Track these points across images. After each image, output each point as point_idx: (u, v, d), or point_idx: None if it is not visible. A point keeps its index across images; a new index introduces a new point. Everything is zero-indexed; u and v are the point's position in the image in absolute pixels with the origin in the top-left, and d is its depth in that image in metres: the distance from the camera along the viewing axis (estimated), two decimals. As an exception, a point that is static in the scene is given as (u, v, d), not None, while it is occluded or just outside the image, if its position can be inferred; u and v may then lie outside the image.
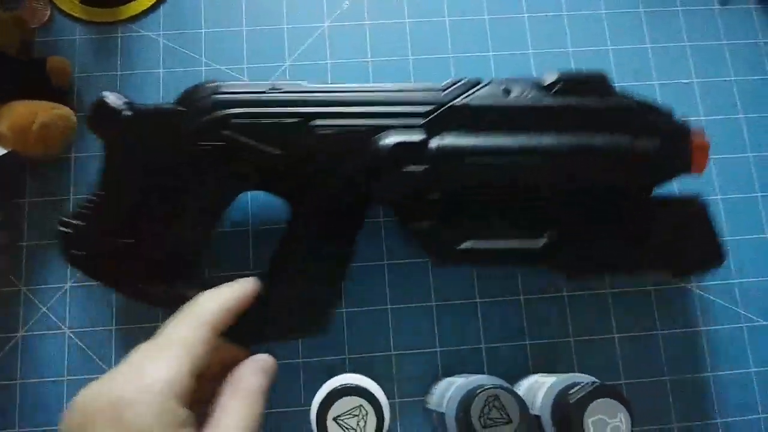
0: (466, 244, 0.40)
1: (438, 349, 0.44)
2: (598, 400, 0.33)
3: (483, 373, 0.44)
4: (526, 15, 0.51)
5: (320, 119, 0.39)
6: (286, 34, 0.49)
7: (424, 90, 0.40)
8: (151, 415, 0.26)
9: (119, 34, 0.48)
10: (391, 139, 0.38)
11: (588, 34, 0.51)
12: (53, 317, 0.43)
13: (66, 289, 0.44)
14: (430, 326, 0.45)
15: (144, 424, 0.25)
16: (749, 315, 0.46)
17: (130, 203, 0.39)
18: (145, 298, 0.40)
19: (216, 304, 0.31)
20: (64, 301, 0.44)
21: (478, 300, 0.45)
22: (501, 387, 0.34)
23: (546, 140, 0.39)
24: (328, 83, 0.40)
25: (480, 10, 0.51)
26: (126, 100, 0.39)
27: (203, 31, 0.49)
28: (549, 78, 0.41)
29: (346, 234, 0.41)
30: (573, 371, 0.44)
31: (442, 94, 0.40)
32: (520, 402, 0.34)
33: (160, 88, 0.47)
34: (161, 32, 0.48)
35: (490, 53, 0.50)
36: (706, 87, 0.51)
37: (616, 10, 0.52)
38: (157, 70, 0.48)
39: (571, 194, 0.40)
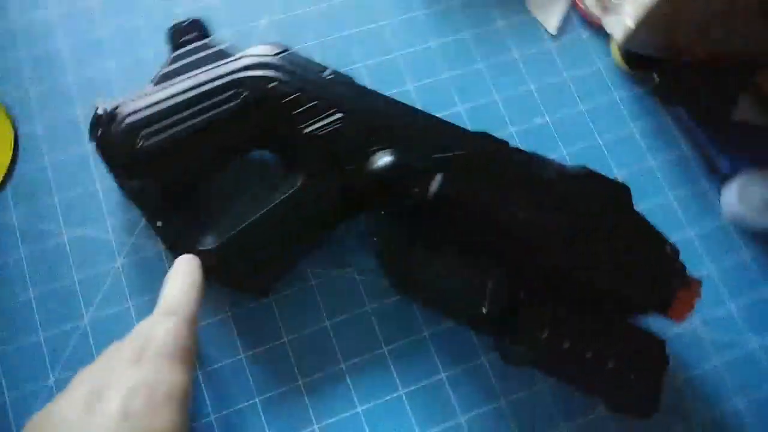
0: (418, 279, 0.42)
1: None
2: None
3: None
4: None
5: (343, 113, 0.42)
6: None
7: (451, 130, 0.43)
8: None
9: (-31, 225, 0.46)
10: (391, 158, 0.41)
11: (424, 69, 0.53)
12: None
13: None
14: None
15: None
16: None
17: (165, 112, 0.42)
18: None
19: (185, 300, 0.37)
20: None
21: (401, 392, 0.45)
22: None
23: (538, 225, 0.41)
24: (373, 90, 0.44)
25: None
26: (202, 30, 0.46)
27: (56, 198, 0.47)
28: (574, 170, 0.43)
29: (325, 225, 0.44)
30: None
31: (467, 140, 0.43)
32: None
33: (26, 274, 0.45)
34: (13, 212, 0.46)
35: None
36: (560, 122, 0.53)
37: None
38: (18, 252, 0.45)
39: (543, 282, 0.42)
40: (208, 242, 0.42)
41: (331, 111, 0.43)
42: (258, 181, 0.47)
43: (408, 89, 0.53)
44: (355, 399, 0.44)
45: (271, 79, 0.43)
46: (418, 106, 0.46)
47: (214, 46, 0.45)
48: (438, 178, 0.41)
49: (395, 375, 0.45)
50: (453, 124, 0.44)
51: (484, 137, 0.44)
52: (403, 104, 0.44)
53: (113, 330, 0.44)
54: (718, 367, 0.47)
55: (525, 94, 0.53)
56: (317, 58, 0.45)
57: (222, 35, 0.51)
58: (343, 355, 0.45)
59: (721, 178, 0.51)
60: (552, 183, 0.42)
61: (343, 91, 0.43)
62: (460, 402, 0.44)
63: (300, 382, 0.44)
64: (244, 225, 0.42)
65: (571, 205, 0.42)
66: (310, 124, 0.42)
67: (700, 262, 0.49)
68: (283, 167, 0.45)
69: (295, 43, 0.52)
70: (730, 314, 0.48)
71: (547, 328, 0.41)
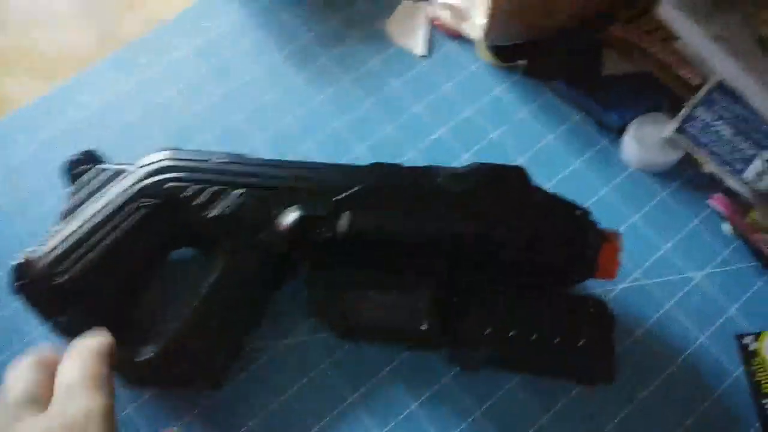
0: (354, 316, 0.43)
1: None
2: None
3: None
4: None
5: (241, 188, 0.45)
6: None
7: (346, 171, 0.46)
8: None
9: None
10: (296, 213, 0.43)
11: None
12: None
13: None
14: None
15: None
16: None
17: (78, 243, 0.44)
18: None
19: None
20: None
21: None
22: None
23: (446, 228, 0.43)
24: (263, 159, 0.47)
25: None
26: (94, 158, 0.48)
27: None
28: (465, 168, 0.45)
29: (259, 298, 0.46)
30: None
31: (363, 176, 0.45)
32: None
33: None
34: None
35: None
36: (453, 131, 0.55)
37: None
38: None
39: (471, 281, 0.44)
40: (148, 351, 0.43)
41: (229, 190, 0.45)
42: (185, 281, 0.48)
43: (309, 147, 0.55)
44: (338, 458, 0.45)
45: (165, 180, 0.45)
46: (322, 159, 0.49)
47: (109, 169, 0.47)
48: (344, 216, 0.43)
49: (366, 420, 0.46)
50: (347, 165, 0.46)
51: (377, 167, 0.46)
52: (298, 162, 0.47)
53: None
54: (671, 310, 0.48)
55: (414, 116, 0.56)
56: (218, 149, 0.47)
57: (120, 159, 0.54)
58: (312, 420, 0.46)
59: (615, 132, 0.53)
60: (448, 187, 0.44)
61: (236, 169, 0.46)
62: (438, 426, 0.45)
63: (281, 458, 0.45)
64: (179, 324, 0.44)
65: (471, 201, 0.43)
66: (213, 208, 0.45)
67: (622, 214, 0.51)
68: (205, 257, 0.47)
69: (193, 143, 0.55)
70: (666, 256, 0.50)
71: (489, 323, 0.42)
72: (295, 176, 0.45)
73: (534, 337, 0.42)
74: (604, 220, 0.44)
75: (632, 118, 0.52)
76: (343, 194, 0.44)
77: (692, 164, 0.51)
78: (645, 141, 0.51)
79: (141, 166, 0.47)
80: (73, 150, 0.49)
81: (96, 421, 0.31)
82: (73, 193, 0.47)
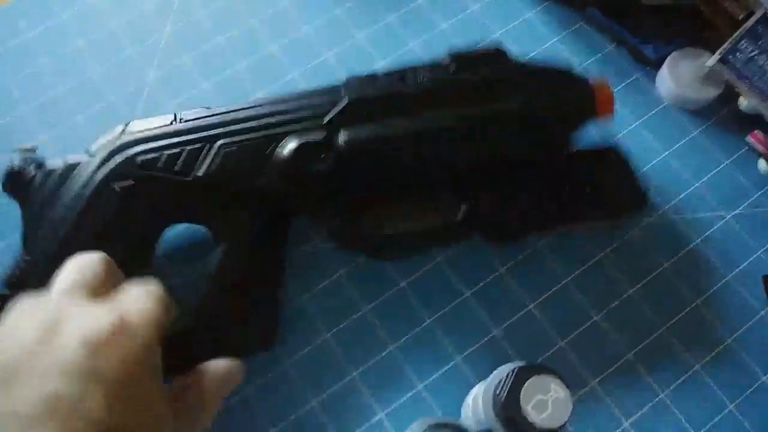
0: (387, 231, 0.41)
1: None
2: (525, 386, 0.31)
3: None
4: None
5: (222, 138, 0.40)
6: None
7: (323, 93, 0.42)
8: None
9: None
10: (292, 144, 0.39)
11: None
12: None
13: None
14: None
15: None
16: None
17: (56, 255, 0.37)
18: None
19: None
20: None
21: (391, 347, 0.43)
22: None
23: (443, 118, 0.41)
24: (233, 105, 0.42)
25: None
26: (35, 161, 0.41)
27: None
28: (442, 59, 0.42)
29: (273, 251, 0.42)
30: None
31: (342, 92, 0.41)
32: None
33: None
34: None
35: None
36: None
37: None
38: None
39: (483, 164, 0.42)
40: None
41: (207, 145, 0.40)
42: (191, 255, 0.44)
43: (327, 58, 0.52)
44: (349, 367, 0.43)
45: (134, 156, 0.40)
46: (342, 72, 0.45)
47: (59, 165, 0.41)
48: (341, 133, 0.40)
49: (381, 332, 0.43)
50: (321, 88, 0.43)
51: (353, 80, 0.42)
52: (269, 98, 0.42)
53: None
54: (698, 247, 0.46)
55: (439, 34, 0.53)
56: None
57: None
58: (326, 325, 0.44)
59: (651, 65, 0.51)
60: (433, 80, 0.42)
61: (207, 123, 0.41)
62: (454, 344, 0.43)
63: (287, 363, 0.43)
64: (202, 298, 0.39)
65: (457, 89, 0.41)
66: (197, 169, 0.40)
67: (653, 149, 0.49)
68: (206, 225, 0.42)
69: (204, 46, 0.51)
70: (696, 193, 0.48)
71: (523, 192, 0.42)
72: (273, 112, 0.41)
73: (566, 191, 0.42)
74: (633, 154, 0.43)
75: (669, 52, 0.50)
76: (331, 114, 0.41)
77: (727, 104, 0.49)
78: (682, 76, 0.49)
79: (99, 149, 0.41)
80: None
81: (150, 323, 0.29)
82: (27, 211, 0.40)
